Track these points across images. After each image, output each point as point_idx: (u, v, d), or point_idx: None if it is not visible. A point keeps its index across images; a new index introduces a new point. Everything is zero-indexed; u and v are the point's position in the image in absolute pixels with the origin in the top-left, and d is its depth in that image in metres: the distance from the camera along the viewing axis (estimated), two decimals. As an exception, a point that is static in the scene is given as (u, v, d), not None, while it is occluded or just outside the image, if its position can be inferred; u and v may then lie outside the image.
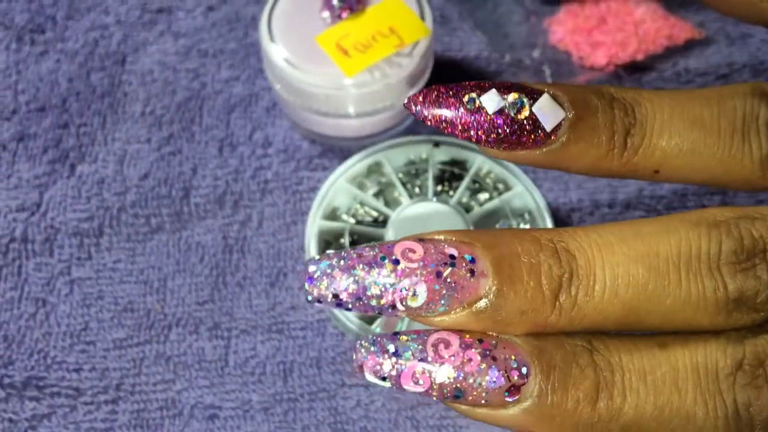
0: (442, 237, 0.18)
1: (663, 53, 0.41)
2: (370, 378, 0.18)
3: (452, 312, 0.18)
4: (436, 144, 0.37)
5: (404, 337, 0.18)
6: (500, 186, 0.36)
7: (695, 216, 0.18)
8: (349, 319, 0.33)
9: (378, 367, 0.17)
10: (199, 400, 0.33)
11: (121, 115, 0.40)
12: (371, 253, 0.18)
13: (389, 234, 0.34)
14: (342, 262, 0.18)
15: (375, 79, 0.35)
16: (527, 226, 0.35)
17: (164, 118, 0.39)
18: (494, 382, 0.17)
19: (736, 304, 0.17)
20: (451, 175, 0.36)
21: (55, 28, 0.43)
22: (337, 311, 0.32)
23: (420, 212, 0.35)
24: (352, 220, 0.35)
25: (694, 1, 0.42)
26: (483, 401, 0.17)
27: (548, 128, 0.18)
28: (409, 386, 0.17)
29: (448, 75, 0.41)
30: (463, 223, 0.34)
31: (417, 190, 0.36)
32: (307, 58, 0.35)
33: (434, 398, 0.17)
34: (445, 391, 0.17)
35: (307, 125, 0.38)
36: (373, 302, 0.17)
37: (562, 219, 0.36)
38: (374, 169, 0.37)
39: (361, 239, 0.35)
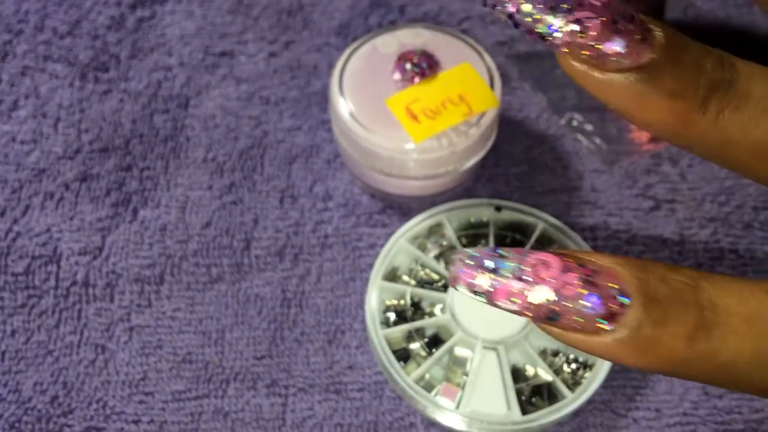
0: (633, 12, 0.17)
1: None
2: (464, 291, 0.17)
3: (604, 71, 0.17)
4: (498, 208, 0.37)
5: (504, 254, 0.17)
6: (561, 255, 0.36)
7: None
8: (407, 383, 0.33)
9: (473, 282, 0.17)
10: (255, 457, 0.33)
11: (184, 160, 0.40)
12: None
13: (450, 299, 0.34)
14: None
15: (441, 145, 0.35)
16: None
17: (226, 166, 0.40)
18: (592, 308, 0.17)
19: None
20: (512, 240, 0.36)
21: (118, 67, 0.43)
22: (393, 373, 0.33)
23: (481, 279, 0.35)
24: (413, 282, 0.35)
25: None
26: (578, 327, 0.17)
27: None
28: (502, 303, 0.17)
29: (509, 135, 0.41)
30: (524, 292, 0.34)
31: (477, 254, 0.36)
32: (374, 117, 0.35)
33: (527, 317, 0.17)
34: (540, 312, 0.17)
35: (368, 181, 0.38)
36: (545, 19, 0.17)
37: (621, 291, 0.36)
38: (435, 230, 0.37)
39: (423, 301, 0.35)
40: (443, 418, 0.32)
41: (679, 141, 0.18)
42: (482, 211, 0.37)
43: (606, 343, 0.17)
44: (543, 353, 0.34)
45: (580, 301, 0.17)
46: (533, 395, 0.33)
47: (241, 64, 0.43)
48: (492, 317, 0.34)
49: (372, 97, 0.36)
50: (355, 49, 0.37)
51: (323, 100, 0.42)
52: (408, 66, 0.35)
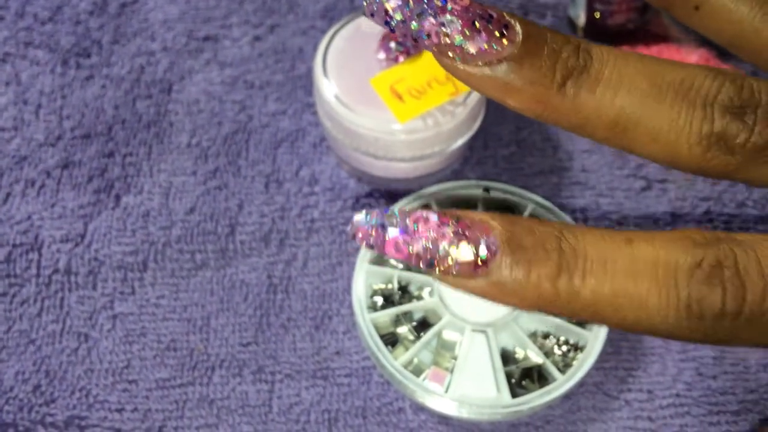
0: (492, 12, 0.20)
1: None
2: (360, 244, 0.20)
3: (471, 65, 0.19)
4: (486, 189, 0.36)
5: (392, 213, 0.20)
6: (551, 236, 0.35)
7: (710, 67, 0.20)
8: (395, 367, 0.32)
9: (368, 238, 0.20)
10: (241, 445, 0.32)
11: (167, 146, 0.39)
12: None
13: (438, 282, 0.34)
14: None
15: (427, 125, 0.34)
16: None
17: (210, 151, 0.39)
18: (463, 256, 0.20)
19: (716, 139, 0.19)
20: (501, 222, 0.36)
21: (100, 52, 0.42)
22: (380, 356, 0.32)
23: (470, 261, 0.34)
24: (400, 265, 0.35)
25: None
26: (453, 272, 0.20)
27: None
28: (390, 253, 0.20)
29: (497, 116, 0.40)
30: (513, 274, 0.34)
31: (466, 236, 0.35)
32: (359, 98, 0.35)
33: (411, 264, 0.20)
34: (420, 259, 0.20)
35: (355, 164, 0.37)
36: (414, 25, 0.19)
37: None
38: (422, 213, 0.36)
39: (410, 284, 0.34)
40: (432, 402, 0.32)
41: (547, 121, 0.20)
42: (470, 192, 0.36)
43: (480, 285, 0.20)
44: (533, 336, 0.33)
45: (455, 249, 0.20)
46: (523, 378, 0.32)
47: (225, 49, 0.43)
48: (480, 300, 0.33)
49: (356, 77, 0.35)
50: (339, 29, 0.36)
51: (308, 83, 0.41)
52: (392, 45, 0.35)
